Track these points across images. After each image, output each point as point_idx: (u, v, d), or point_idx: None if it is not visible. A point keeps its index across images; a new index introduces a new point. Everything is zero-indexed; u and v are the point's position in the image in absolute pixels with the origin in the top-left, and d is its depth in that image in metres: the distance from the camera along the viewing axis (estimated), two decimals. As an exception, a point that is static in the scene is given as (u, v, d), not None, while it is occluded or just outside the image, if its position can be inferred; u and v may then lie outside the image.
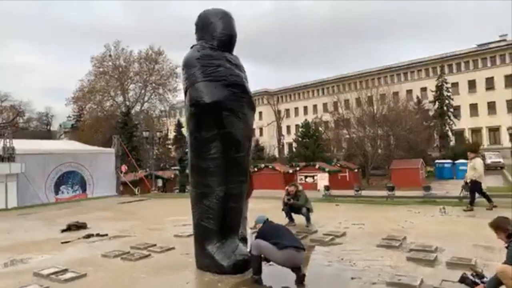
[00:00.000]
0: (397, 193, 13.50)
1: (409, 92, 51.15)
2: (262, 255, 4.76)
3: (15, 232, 9.69)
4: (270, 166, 27.63)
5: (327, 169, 25.98)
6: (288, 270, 4.68)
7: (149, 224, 9.93)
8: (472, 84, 50.28)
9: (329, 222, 8.77)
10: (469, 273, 3.96)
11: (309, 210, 8.50)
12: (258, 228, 5.14)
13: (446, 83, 43.91)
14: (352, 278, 4.79)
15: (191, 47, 5.55)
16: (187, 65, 5.33)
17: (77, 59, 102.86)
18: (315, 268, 5.34)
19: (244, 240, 5.66)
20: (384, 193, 13.73)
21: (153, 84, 46.32)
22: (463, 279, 3.87)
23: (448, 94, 43.61)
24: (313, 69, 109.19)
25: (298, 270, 4.70)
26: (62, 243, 7.84)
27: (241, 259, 5.13)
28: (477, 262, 5.05)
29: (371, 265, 5.29)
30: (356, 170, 29.30)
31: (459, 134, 46.22)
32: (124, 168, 23.32)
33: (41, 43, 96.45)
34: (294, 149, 47.24)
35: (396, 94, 44.63)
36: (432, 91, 44.86)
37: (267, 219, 5.23)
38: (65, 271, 5.51)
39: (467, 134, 48.94)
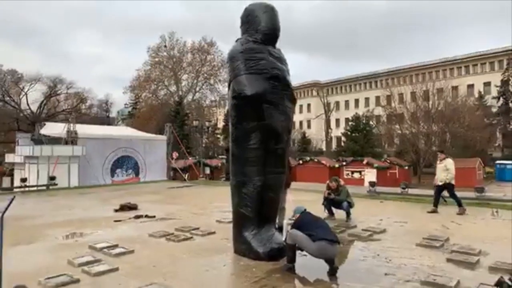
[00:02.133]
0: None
1: (471, 86, 47.84)
2: (297, 245, 4.89)
3: (75, 209, 10.64)
4: (316, 160, 27.42)
5: (375, 165, 25.32)
6: (321, 261, 4.77)
7: (194, 209, 10.42)
8: (544, 79, 45.87)
9: (370, 218, 8.67)
10: (506, 277, 3.81)
11: (350, 204, 8.46)
12: (295, 218, 5.26)
13: (513, 77, 40.56)
14: (386, 274, 4.78)
15: (236, 41, 5.75)
16: (231, 58, 5.55)
17: (136, 50, 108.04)
18: (348, 262, 5.38)
19: (280, 229, 5.83)
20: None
21: (205, 75, 47.58)
22: (499, 283, 3.73)
23: (515, 89, 40.29)
24: (367, 62, 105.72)
25: (331, 262, 4.78)
26: (114, 221, 8.52)
27: (276, 247, 5.30)
28: (523, 269, 4.80)
29: (408, 263, 5.22)
30: (406, 167, 28.19)
31: (526, 133, 42.59)
32: (175, 155, 24.41)
33: (103, 35, 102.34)
34: (342, 143, 46.37)
35: (455, 88, 42.00)
36: (497, 86, 41.68)
37: (305, 209, 5.32)
38: (115, 246, 6.04)
39: (536, 134, 44.97)
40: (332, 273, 4.73)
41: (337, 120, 62.51)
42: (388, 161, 28.28)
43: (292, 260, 4.94)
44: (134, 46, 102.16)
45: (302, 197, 11.79)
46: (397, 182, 22.89)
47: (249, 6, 5.77)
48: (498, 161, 31.31)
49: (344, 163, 26.69)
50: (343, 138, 46.31)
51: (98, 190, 16.00)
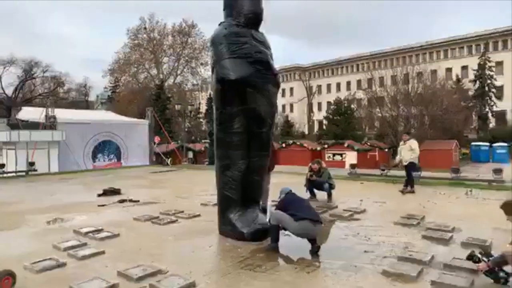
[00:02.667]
0: (426, 174, 13.36)
1: (449, 70, 48.82)
2: (280, 225, 5.05)
3: (57, 195, 10.53)
4: (298, 143, 27.69)
5: (356, 148, 25.77)
6: (303, 241, 4.95)
7: (178, 193, 10.48)
8: (518, 63, 47.18)
9: (350, 199, 8.93)
10: (477, 251, 4.07)
11: (331, 186, 8.69)
12: (281, 198, 5.39)
13: (489, 61, 41.56)
14: (365, 252, 5.00)
15: (219, 24, 5.73)
16: (214, 42, 5.55)
17: (116, 32, 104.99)
18: (330, 241, 5.59)
19: (264, 210, 5.97)
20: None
21: (186, 58, 46.86)
22: (470, 257, 3.98)
23: (491, 73, 41.38)
24: (349, 46, 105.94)
25: (313, 241, 4.96)
26: (98, 206, 8.51)
27: (260, 227, 5.44)
28: (493, 243, 5.11)
29: (386, 240, 5.47)
30: (386, 150, 28.82)
31: (501, 116, 43.96)
32: (157, 139, 24.21)
33: (81, 16, 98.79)
34: (324, 127, 46.87)
35: (434, 72, 42.80)
36: (474, 70, 42.69)
37: (290, 190, 5.47)
38: (100, 230, 6.07)
39: (510, 116, 46.46)
40: (315, 251, 4.92)
41: (319, 104, 62.94)
42: (369, 144, 28.81)
43: (276, 239, 5.10)
44: (113, 28, 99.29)
45: (285, 180, 11.98)
46: (377, 164, 23.41)
47: (232, -11, 5.73)
48: (473, 143, 32.33)
49: (325, 146, 27.06)
50: (325, 122, 46.78)
51: (79, 176, 15.81)
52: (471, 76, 43.30)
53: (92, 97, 62.04)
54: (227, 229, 5.66)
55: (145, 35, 46.03)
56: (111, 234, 5.87)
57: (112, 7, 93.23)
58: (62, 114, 19.59)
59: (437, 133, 31.46)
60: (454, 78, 44.01)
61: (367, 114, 40.72)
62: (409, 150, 10.02)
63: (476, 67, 42.09)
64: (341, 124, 39.91)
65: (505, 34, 47.85)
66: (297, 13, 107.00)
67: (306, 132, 51.99)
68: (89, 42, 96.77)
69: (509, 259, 3.61)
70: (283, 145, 27.81)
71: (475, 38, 49.91)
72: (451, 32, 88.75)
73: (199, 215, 7.25)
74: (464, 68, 48.61)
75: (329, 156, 26.09)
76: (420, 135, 32.17)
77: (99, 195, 9.87)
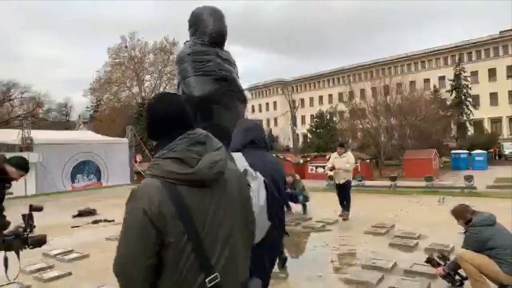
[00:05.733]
0: (402, 183, 13.62)
1: (427, 81, 50.27)
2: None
3: (31, 217, 10.32)
4: (282, 156, 27.85)
5: (337, 159, 26.08)
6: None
7: (156, 211, 10.40)
8: (492, 73, 48.89)
9: (325, 210, 9.02)
10: (435, 255, 4.21)
11: (306, 198, 8.78)
12: None
13: (464, 71, 42.98)
14: (332, 261, 5.09)
15: (184, 43, 5.85)
16: (179, 60, 5.64)
17: (97, 51, 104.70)
18: (299, 252, 5.67)
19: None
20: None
21: (168, 75, 46.98)
22: (429, 260, 4.12)
23: (466, 83, 42.71)
24: (331, 60, 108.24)
25: (280, 253, 5.01)
26: (71, 227, 8.40)
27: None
28: (455, 248, 5.26)
29: (353, 249, 5.58)
30: (368, 161, 29.21)
31: (478, 124, 45.17)
32: (138, 158, 24.03)
33: (62, 36, 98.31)
34: (308, 140, 47.30)
35: (412, 83, 43.98)
36: (450, 80, 43.99)
37: None
38: (70, 251, 6.01)
39: (486, 124, 47.83)
40: (282, 264, 4.96)
41: (303, 117, 63.61)
42: (351, 155, 29.18)
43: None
44: (94, 47, 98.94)
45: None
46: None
47: (196, 10, 5.87)
48: (453, 151, 33.05)
49: (308, 159, 27.27)
50: (308, 135, 47.27)
51: (57, 198, 15.53)
52: (448, 86, 44.58)
53: (74, 117, 61.37)
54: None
55: (126, 54, 46.09)
56: (80, 255, 5.82)
57: (93, 26, 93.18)
58: (40, 135, 19.34)
59: (417, 143, 32.10)
60: (431, 88, 45.24)
61: (349, 126, 41.40)
62: (347, 165, 8.13)
63: (452, 77, 43.40)
64: (324, 137, 40.38)
65: (479, 45, 49.66)
66: (283, 30, 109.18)
67: (291, 146, 52.33)
68: (70, 62, 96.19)
69: (460, 262, 3.74)
70: (266, 159, 27.98)
71: (450, 49, 51.62)
72: (428, 44, 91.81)
73: (172, 232, 7.22)
74: (441, 78, 50.01)
75: (312, 169, 26.31)
76: (401, 145, 32.94)
77: (74, 216, 9.75)
